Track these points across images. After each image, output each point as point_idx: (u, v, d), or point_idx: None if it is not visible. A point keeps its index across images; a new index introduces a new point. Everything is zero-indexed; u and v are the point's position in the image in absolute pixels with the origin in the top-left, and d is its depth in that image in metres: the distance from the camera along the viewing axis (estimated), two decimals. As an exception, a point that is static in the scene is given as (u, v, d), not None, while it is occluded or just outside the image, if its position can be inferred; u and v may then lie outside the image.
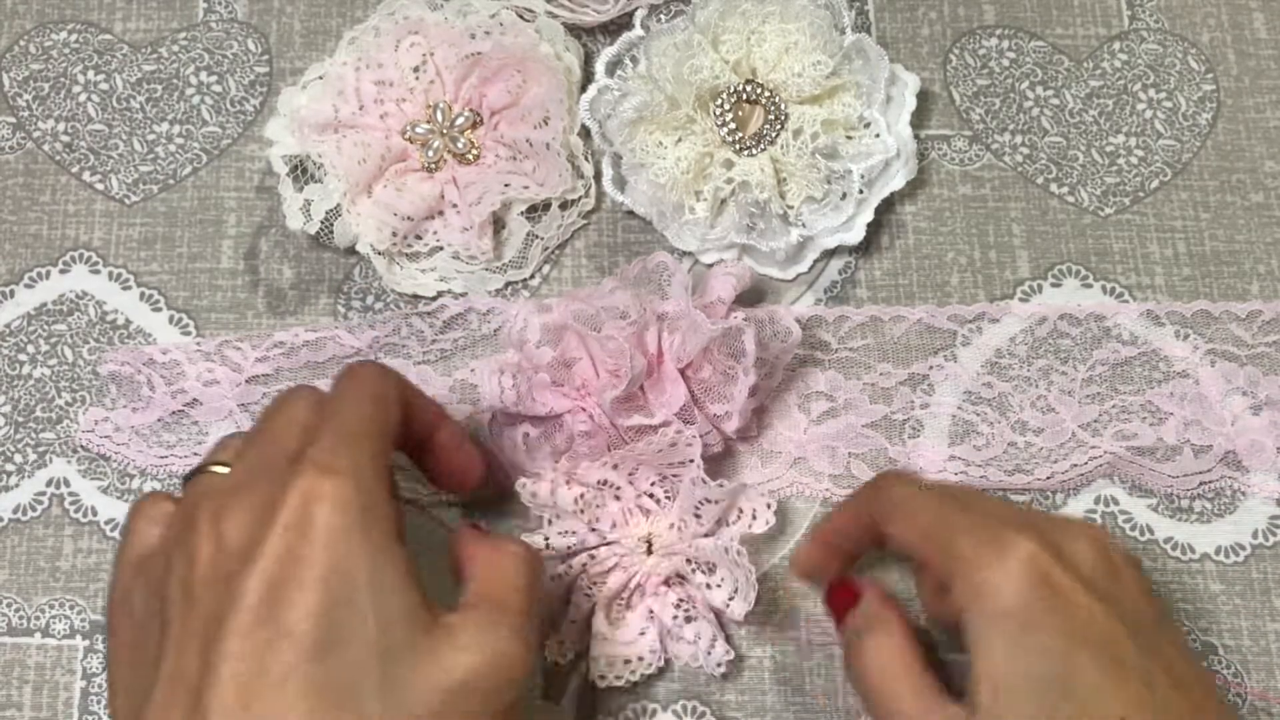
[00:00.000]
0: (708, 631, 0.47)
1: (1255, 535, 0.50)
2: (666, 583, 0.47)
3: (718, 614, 0.48)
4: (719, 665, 0.47)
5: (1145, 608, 0.39)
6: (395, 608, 0.35)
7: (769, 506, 0.48)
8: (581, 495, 0.47)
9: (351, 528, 0.35)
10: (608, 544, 0.48)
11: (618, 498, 0.48)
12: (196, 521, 0.37)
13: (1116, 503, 0.51)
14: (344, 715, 0.34)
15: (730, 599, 0.46)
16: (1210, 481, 0.51)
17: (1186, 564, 0.50)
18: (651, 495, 0.48)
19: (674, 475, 0.48)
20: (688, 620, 0.47)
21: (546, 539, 0.47)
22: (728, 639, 0.47)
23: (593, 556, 0.47)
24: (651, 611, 0.47)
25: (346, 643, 0.34)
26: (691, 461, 0.47)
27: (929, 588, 0.45)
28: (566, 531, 0.47)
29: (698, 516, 0.47)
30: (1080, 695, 0.35)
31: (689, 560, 0.47)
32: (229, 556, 0.36)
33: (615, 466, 0.47)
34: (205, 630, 0.35)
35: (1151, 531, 0.50)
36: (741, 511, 0.48)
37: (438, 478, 0.45)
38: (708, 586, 0.47)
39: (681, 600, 0.47)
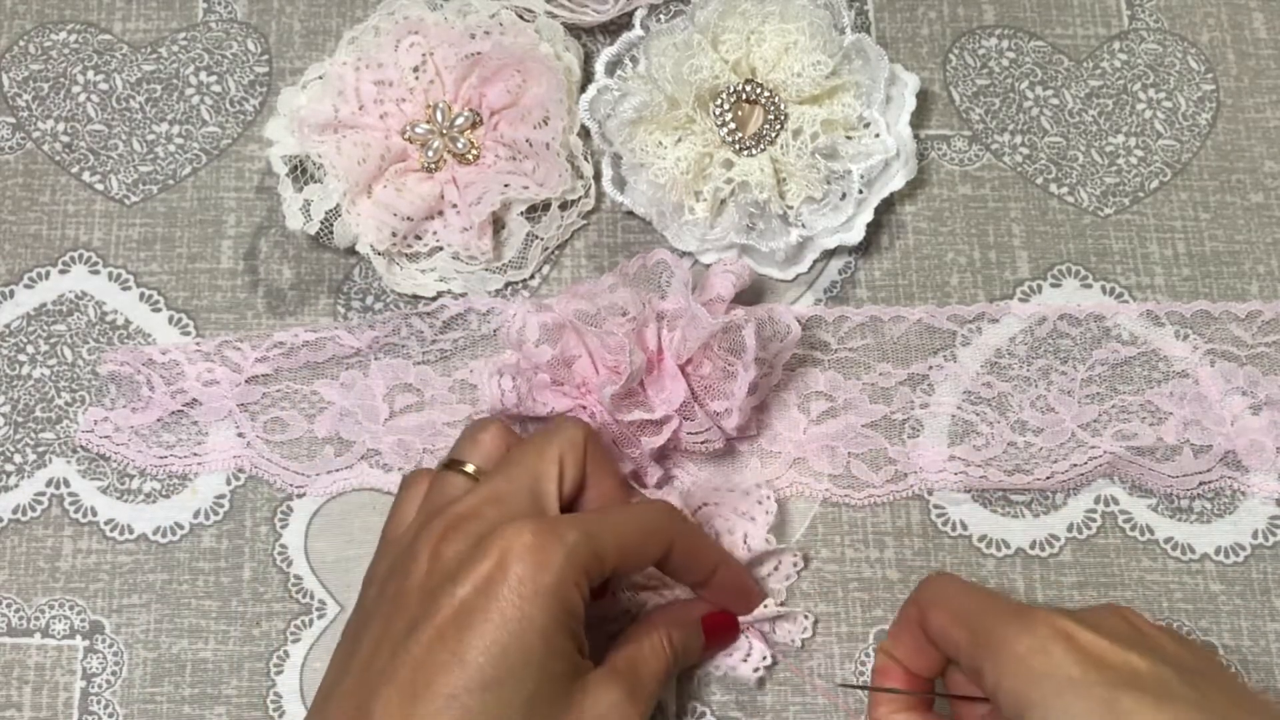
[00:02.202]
0: (744, 643, 0.47)
1: (1255, 535, 0.50)
2: None
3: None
4: (756, 671, 0.47)
5: (1185, 654, 0.40)
6: (558, 666, 0.39)
7: (795, 565, 0.49)
8: None
9: (547, 588, 0.38)
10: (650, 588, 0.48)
11: None
12: (428, 533, 0.41)
13: (1116, 503, 0.51)
14: (486, 692, 0.37)
15: (773, 626, 0.48)
16: (1210, 481, 0.51)
17: (1186, 564, 0.50)
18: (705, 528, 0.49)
19: (733, 516, 0.49)
20: None
21: None
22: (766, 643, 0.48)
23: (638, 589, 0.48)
24: None
25: (508, 684, 0.37)
26: (754, 520, 0.49)
27: (961, 680, 0.44)
28: None
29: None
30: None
31: None
32: (440, 576, 0.39)
33: (683, 495, 0.49)
34: (402, 636, 0.39)
35: (1151, 531, 0.50)
36: (764, 560, 0.49)
37: (711, 601, 0.47)
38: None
39: None
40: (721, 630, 0.47)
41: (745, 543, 0.48)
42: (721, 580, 0.45)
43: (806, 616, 0.49)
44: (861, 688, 0.44)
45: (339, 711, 0.39)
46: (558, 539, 0.39)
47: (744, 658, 0.48)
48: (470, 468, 0.43)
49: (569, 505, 0.43)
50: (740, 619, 0.47)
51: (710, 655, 0.47)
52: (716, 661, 0.48)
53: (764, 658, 0.48)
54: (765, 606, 0.47)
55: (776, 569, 0.49)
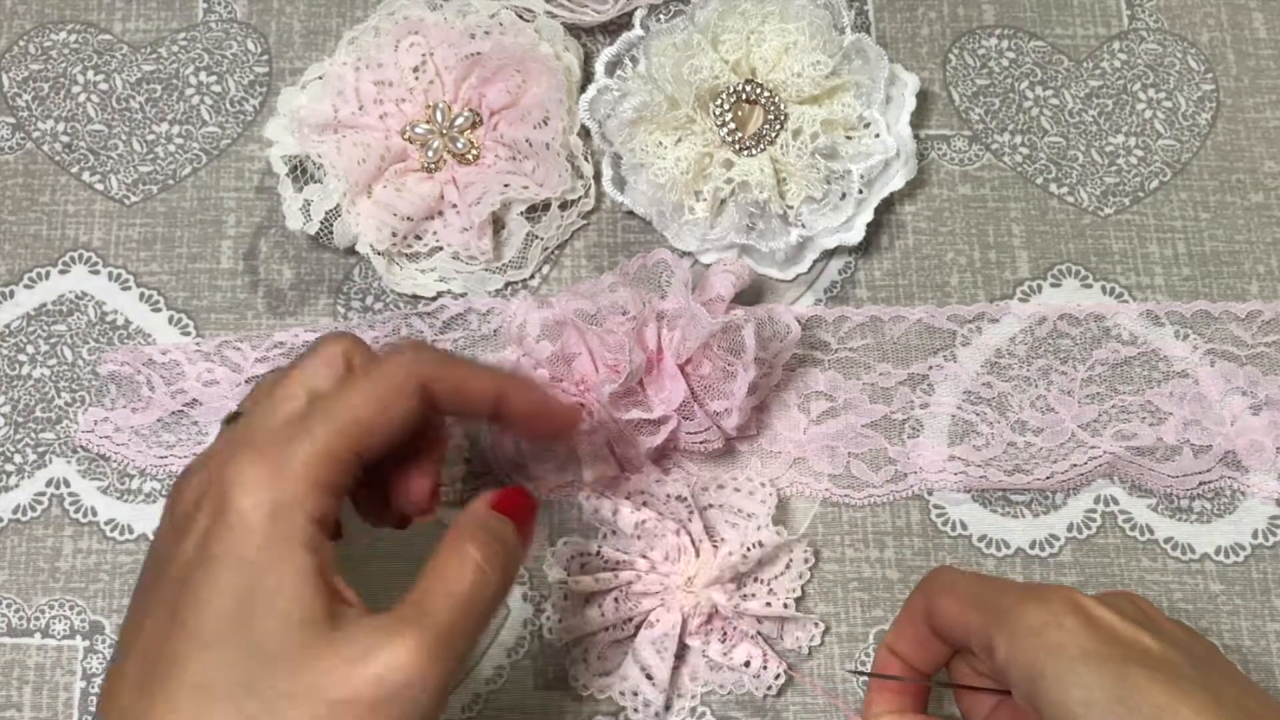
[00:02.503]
0: (758, 653, 0.47)
1: (1255, 535, 0.50)
2: (709, 619, 0.48)
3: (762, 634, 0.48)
4: (770, 687, 0.47)
5: (1194, 644, 0.39)
6: (288, 610, 0.34)
7: (805, 561, 0.49)
8: (642, 522, 0.48)
9: (264, 521, 0.34)
10: (655, 572, 0.48)
11: (678, 533, 0.48)
12: (180, 485, 0.37)
13: (1116, 503, 0.51)
14: (225, 709, 0.33)
15: (780, 633, 0.48)
16: (1210, 481, 0.51)
17: (1186, 564, 0.50)
18: (709, 535, 0.49)
19: (735, 516, 0.49)
20: (734, 646, 0.48)
21: (599, 548, 0.48)
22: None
23: (639, 576, 0.48)
24: (689, 647, 0.48)
25: (238, 638, 0.33)
26: (754, 515, 0.49)
27: (966, 672, 0.43)
28: (620, 549, 0.48)
29: (745, 555, 0.47)
30: (1148, 711, 0.35)
31: (733, 604, 0.48)
32: (174, 530, 0.36)
33: (688, 485, 0.49)
34: (137, 608, 0.36)
35: (1151, 531, 0.50)
36: (775, 558, 0.49)
37: (532, 437, 0.43)
38: (759, 620, 0.48)
39: (725, 630, 0.48)
40: (520, 506, 0.40)
41: (756, 544, 0.48)
42: (516, 406, 0.41)
43: (817, 625, 0.49)
44: (868, 674, 0.44)
45: (102, 701, 0.35)
46: (272, 458, 0.35)
47: (756, 673, 0.47)
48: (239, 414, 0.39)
49: None
50: (750, 627, 0.47)
51: (529, 545, 0.41)
52: (734, 678, 0.48)
53: (777, 675, 0.48)
54: (769, 605, 0.47)
55: (788, 567, 0.49)
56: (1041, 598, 0.38)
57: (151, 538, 0.39)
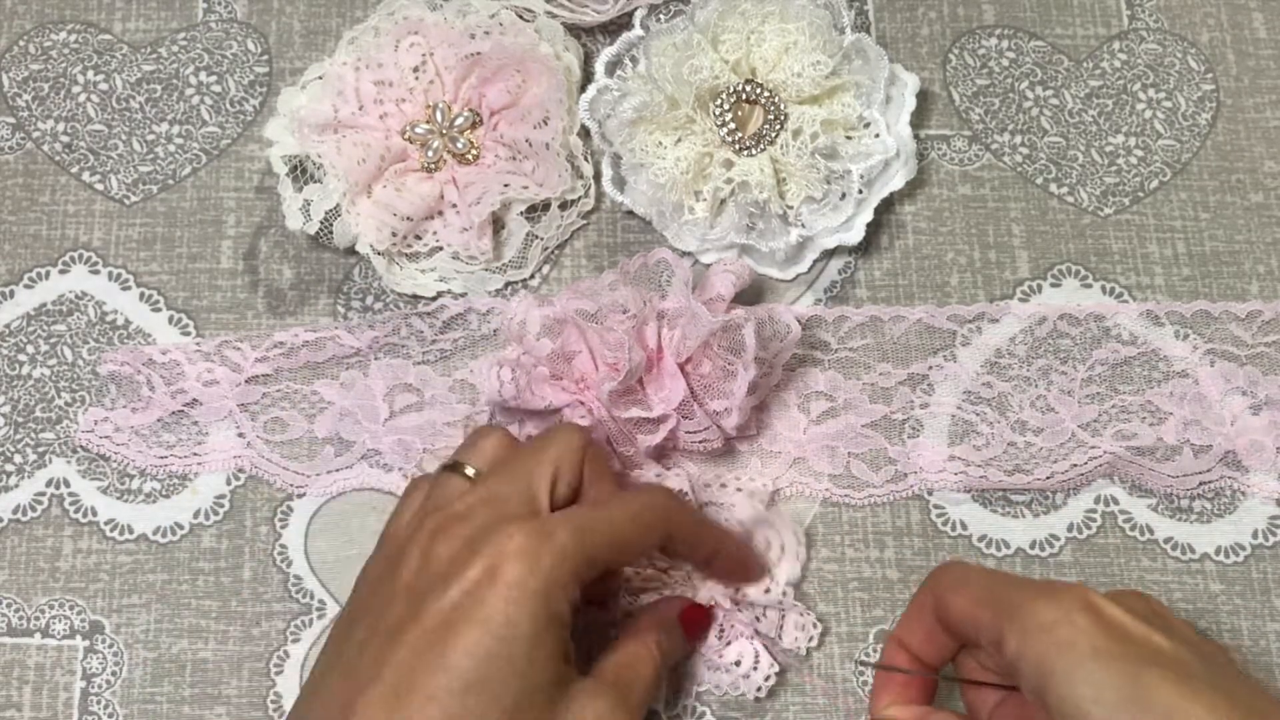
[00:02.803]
0: (750, 652, 0.47)
1: (1255, 535, 0.50)
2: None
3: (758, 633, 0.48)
4: (759, 689, 0.47)
5: (1204, 643, 0.40)
6: (543, 673, 0.39)
7: (799, 542, 0.49)
8: None
9: (534, 593, 0.38)
10: (654, 568, 0.48)
11: None
12: (420, 533, 0.41)
13: (1116, 503, 0.51)
14: (467, 695, 0.37)
15: (779, 631, 0.48)
16: (1210, 481, 0.51)
17: (1186, 564, 0.50)
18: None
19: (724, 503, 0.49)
20: (728, 644, 0.47)
21: None
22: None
23: (638, 572, 0.48)
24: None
25: (490, 688, 0.38)
26: (735, 505, 0.49)
27: (973, 667, 0.44)
28: None
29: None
30: (1159, 711, 0.35)
31: (733, 601, 0.48)
32: (429, 577, 0.40)
33: (689, 480, 0.49)
34: (388, 636, 0.39)
35: (1151, 531, 0.50)
36: (769, 543, 0.49)
37: (714, 578, 0.48)
38: (757, 619, 0.48)
39: (721, 625, 0.48)
40: (698, 624, 0.47)
41: (736, 524, 0.47)
42: (723, 560, 0.46)
43: (816, 625, 0.48)
44: (875, 665, 0.44)
45: (323, 709, 0.39)
46: (547, 541, 0.39)
47: (746, 673, 0.47)
48: (470, 470, 0.43)
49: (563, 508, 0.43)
50: (747, 625, 0.47)
51: (694, 648, 0.48)
52: (728, 679, 0.48)
53: (767, 677, 0.48)
54: (769, 592, 0.47)
55: (782, 550, 0.48)
56: (1053, 594, 0.39)
57: (377, 563, 0.43)
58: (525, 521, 0.40)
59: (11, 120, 0.56)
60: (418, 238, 0.53)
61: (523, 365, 0.48)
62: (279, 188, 0.53)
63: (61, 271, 0.54)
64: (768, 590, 0.47)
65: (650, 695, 0.43)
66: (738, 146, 0.52)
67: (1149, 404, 0.52)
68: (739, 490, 0.49)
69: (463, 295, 0.53)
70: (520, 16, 0.54)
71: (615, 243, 0.54)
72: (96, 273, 0.54)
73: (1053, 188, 0.55)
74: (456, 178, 0.53)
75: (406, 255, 0.53)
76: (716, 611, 0.48)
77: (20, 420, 0.52)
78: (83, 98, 0.56)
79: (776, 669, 0.48)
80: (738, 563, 0.47)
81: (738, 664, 0.47)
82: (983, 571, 0.42)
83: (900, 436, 0.51)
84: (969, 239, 0.54)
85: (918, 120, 0.55)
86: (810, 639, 0.48)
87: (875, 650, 0.49)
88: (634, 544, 0.42)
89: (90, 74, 0.56)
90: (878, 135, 0.53)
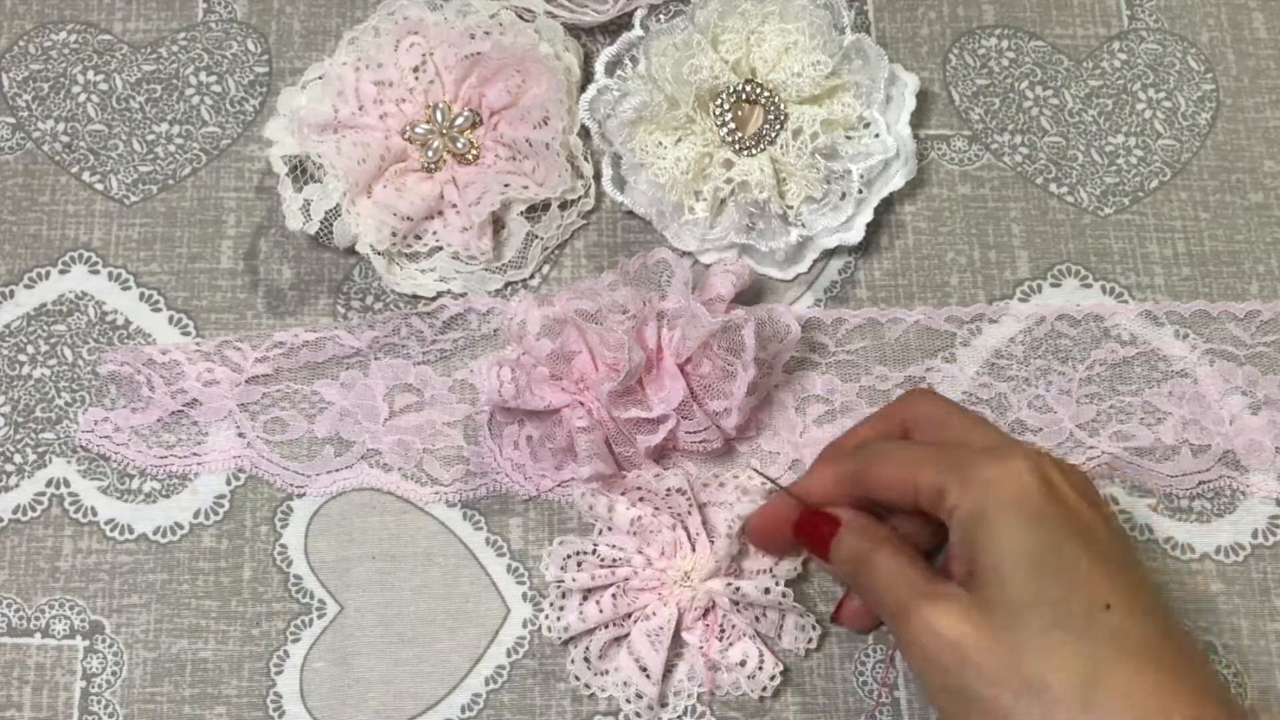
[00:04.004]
0: (754, 652, 0.47)
1: (1255, 535, 0.50)
2: (704, 614, 0.48)
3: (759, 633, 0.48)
4: (765, 689, 0.47)
5: (1120, 528, 0.44)
6: None
7: (799, 554, 0.49)
8: (638, 518, 0.48)
9: None
10: (652, 568, 0.48)
11: (674, 528, 0.48)
12: None
13: (1116, 502, 0.51)
14: None
15: (779, 632, 0.48)
16: (1209, 481, 0.51)
17: (1186, 564, 0.50)
18: (706, 530, 0.49)
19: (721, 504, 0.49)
20: (730, 644, 0.47)
21: (595, 546, 0.48)
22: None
23: (636, 573, 0.48)
24: (686, 644, 0.48)
25: None
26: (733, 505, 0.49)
27: (915, 522, 0.45)
28: (616, 546, 0.48)
29: (729, 535, 0.47)
30: (1073, 578, 0.39)
31: (733, 601, 0.48)
32: None
33: (688, 479, 0.49)
34: None
35: (1151, 531, 0.50)
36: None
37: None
38: (756, 620, 0.48)
39: (722, 626, 0.48)
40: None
41: (736, 518, 0.47)
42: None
43: (815, 628, 0.48)
44: (769, 479, 0.47)
45: None
46: None
47: (751, 673, 0.47)
48: None
49: None
50: (747, 625, 0.47)
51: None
52: (731, 679, 0.48)
53: (773, 676, 0.48)
54: (768, 592, 0.47)
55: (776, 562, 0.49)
56: (1003, 455, 0.41)
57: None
58: None
59: (11, 120, 0.56)
60: (418, 238, 0.53)
61: (522, 365, 0.48)
62: (279, 188, 0.53)
63: (61, 271, 0.54)
64: (767, 590, 0.47)
65: None
66: (738, 146, 0.52)
67: (1148, 404, 0.52)
68: (738, 489, 0.49)
69: (463, 295, 0.53)
70: (520, 16, 0.54)
71: (615, 243, 0.54)
72: (96, 273, 0.54)
73: (1053, 188, 0.55)
74: (456, 178, 0.53)
75: (406, 255, 0.53)
76: (717, 612, 0.48)
77: (20, 420, 0.52)
78: (83, 98, 0.56)
79: (781, 668, 0.48)
80: None
81: (742, 664, 0.47)
82: (954, 411, 0.44)
83: (900, 437, 0.51)
84: (969, 239, 0.54)
85: (918, 120, 0.55)
86: (810, 640, 0.48)
87: (874, 651, 0.49)
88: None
89: (90, 74, 0.56)
90: (878, 135, 0.53)
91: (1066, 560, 0.39)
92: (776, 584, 0.48)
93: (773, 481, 0.47)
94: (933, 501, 0.41)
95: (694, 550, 0.48)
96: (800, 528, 0.45)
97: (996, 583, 0.39)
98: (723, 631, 0.48)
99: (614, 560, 0.48)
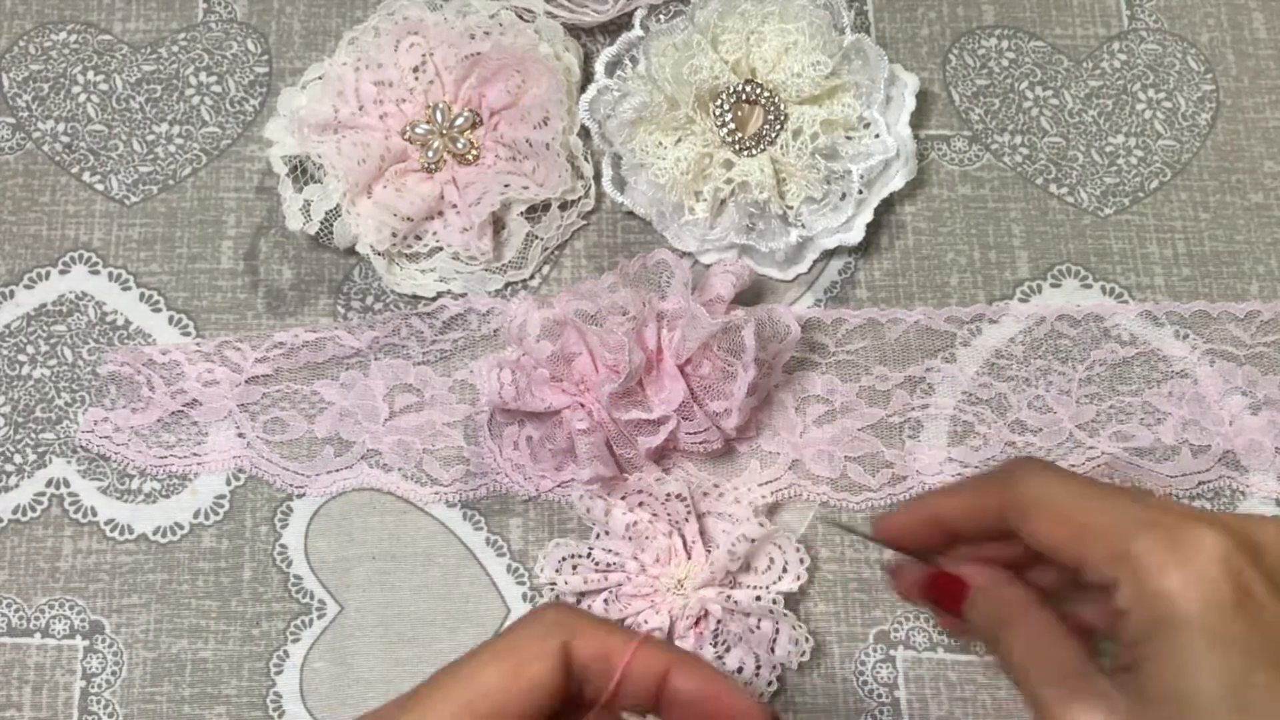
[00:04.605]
0: (751, 659, 0.47)
1: (1254, 535, 0.50)
2: (696, 622, 0.48)
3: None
4: (761, 696, 0.47)
5: None
6: None
7: (801, 562, 0.49)
8: (634, 524, 0.48)
9: None
10: (645, 574, 0.48)
11: (670, 535, 0.48)
12: None
13: (1116, 503, 0.51)
14: None
15: (773, 644, 0.48)
16: (1209, 481, 0.51)
17: (1186, 564, 0.50)
18: (703, 538, 0.49)
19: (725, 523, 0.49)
20: (727, 650, 0.47)
21: (590, 550, 0.48)
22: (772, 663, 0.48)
23: (629, 578, 0.48)
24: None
25: None
26: (739, 520, 0.48)
27: (1064, 587, 0.40)
28: (611, 550, 0.48)
29: (732, 551, 0.47)
30: (1255, 713, 0.33)
31: (726, 609, 0.47)
32: None
33: (688, 485, 0.49)
34: None
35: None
36: (773, 561, 0.48)
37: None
38: (750, 631, 0.48)
39: (717, 633, 0.47)
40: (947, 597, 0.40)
41: (741, 538, 0.47)
42: (684, 690, 0.35)
43: (808, 639, 0.48)
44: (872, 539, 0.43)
45: None
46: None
47: (749, 679, 0.47)
48: None
49: None
50: (740, 634, 0.47)
51: (929, 593, 0.41)
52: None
53: (770, 683, 0.47)
54: (759, 599, 0.47)
55: (784, 570, 0.48)
56: (1188, 550, 0.34)
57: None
58: None
59: (11, 120, 0.56)
60: (418, 238, 0.53)
61: (522, 367, 0.48)
62: (279, 188, 0.53)
63: (61, 272, 0.54)
64: (758, 598, 0.47)
65: None
66: (738, 147, 0.52)
67: (1148, 404, 0.52)
68: (737, 502, 0.49)
69: (463, 295, 0.53)
70: (520, 16, 0.54)
71: (615, 243, 0.54)
72: (96, 273, 0.54)
73: (1053, 188, 0.55)
74: (456, 178, 0.53)
75: (406, 255, 0.53)
76: (710, 620, 0.47)
77: (20, 420, 0.52)
78: (83, 98, 0.56)
79: (778, 673, 0.48)
80: (706, 693, 0.35)
81: (739, 671, 0.47)
82: (1082, 489, 0.37)
83: (899, 439, 0.51)
84: (969, 239, 0.54)
85: (918, 120, 0.55)
86: (803, 653, 0.48)
87: (873, 651, 0.49)
88: (515, 685, 0.33)
89: (90, 74, 0.56)
90: (878, 135, 0.53)
91: (1257, 690, 0.33)
92: (768, 591, 0.47)
93: (853, 531, 0.43)
94: (1095, 584, 0.36)
95: (689, 558, 0.48)
96: (930, 589, 0.41)
97: (1167, 702, 0.33)
98: (717, 637, 0.47)
99: (608, 565, 0.48)
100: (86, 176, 0.55)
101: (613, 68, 0.55)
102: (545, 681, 0.33)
